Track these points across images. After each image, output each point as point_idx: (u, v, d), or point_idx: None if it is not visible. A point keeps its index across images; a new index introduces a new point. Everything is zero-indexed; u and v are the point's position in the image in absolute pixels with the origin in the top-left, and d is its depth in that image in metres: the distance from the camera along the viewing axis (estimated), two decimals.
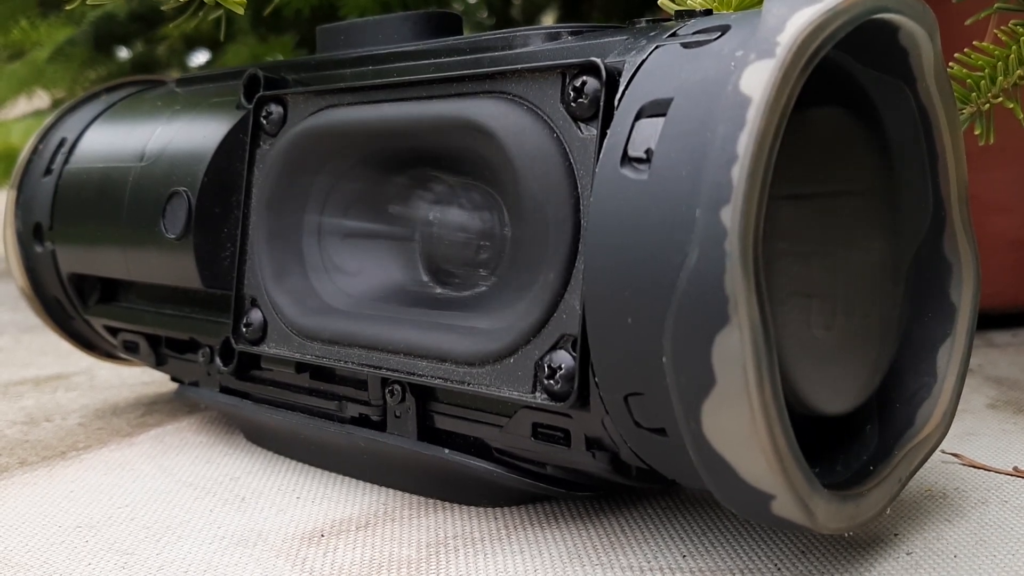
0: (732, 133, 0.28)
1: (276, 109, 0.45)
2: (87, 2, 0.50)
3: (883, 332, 0.37)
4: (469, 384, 0.37)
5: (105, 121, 0.58)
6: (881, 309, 0.37)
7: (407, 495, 0.44)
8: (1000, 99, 0.44)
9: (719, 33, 0.32)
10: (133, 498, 0.45)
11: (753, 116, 0.27)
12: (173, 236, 0.48)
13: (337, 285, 0.44)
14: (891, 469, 0.34)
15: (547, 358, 0.35)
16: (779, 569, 0.35)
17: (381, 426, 0.43)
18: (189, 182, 0.48)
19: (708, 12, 0.36)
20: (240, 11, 0.45)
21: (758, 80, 0.28)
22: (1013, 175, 0.70)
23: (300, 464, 0.49)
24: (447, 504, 0.43)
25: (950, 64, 0.43)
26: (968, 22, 0.49)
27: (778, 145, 0.28)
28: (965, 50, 0.45)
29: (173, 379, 0.56)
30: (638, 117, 0.32)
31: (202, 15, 0.59)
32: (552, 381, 0.35)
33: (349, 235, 0.44)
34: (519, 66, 0.37)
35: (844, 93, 0.36)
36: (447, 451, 0.40)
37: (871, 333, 0.37)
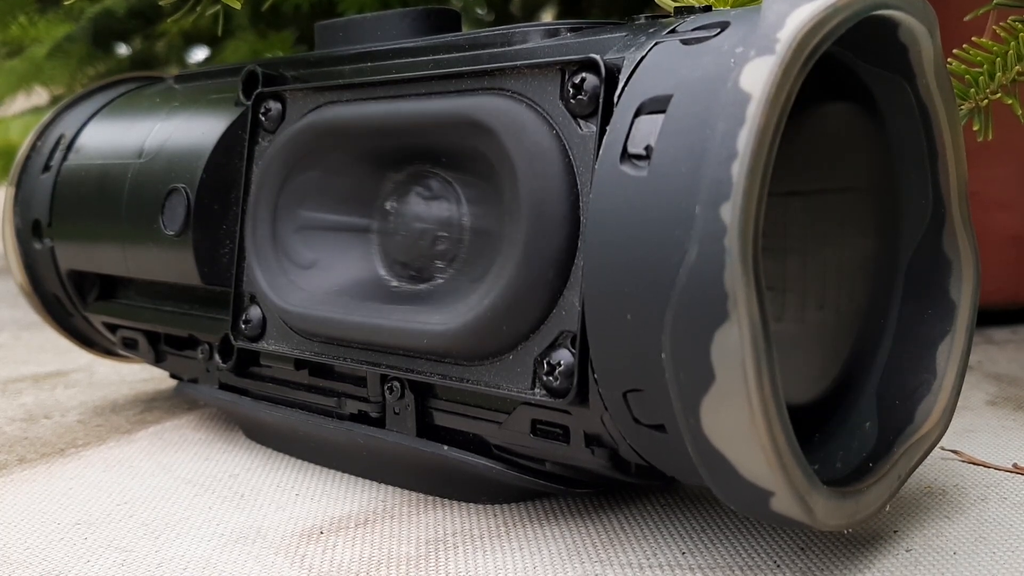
0: (732, 130, 0.27)
1: (275, 106, 0.45)
2: None
3: (854, 324, 0.37)
4: (468, 381, 0.37)
5: (103, 118, 0.58)
6: (858, 303, 0.37)
7: (406, 492, 0.44)
8: (999, 95, 0.44)
9: (718, 30, 0.32)
10: (132, 495, 0.45)
11: (753, 113, 0.27)
12: (172, 233, 0.48)
13: (336, 282, 0.44)
14: (890, 466, 0.34)
15: (546, 355, 0.35)
16: (778, 566, 0.35)
17: (380, 423, 0.43)
18: (188, 179, 0.48)
19: (707, 9, 0.36)
20: (237, 6, 0.45)
21: (758, 76, 0.28)
22: (1013, 171, 0.70)
23: (299, 461, 0.49)
24: (446, 501, 0.43)
25: (949, 60, 0.43)
26: (967, 18, 0.48)
27: (778, 141, 0.28)
28: (964, 46, 0.45)
29: (172, 376, 0.56)
30: (637, 114, 0.32)
31: (200, 10, 0.58)
32: (551, 378, 0.35)
33: (348, 231, 0.44)
34: (518, 63, 0.37)
35: (845, 89, 0.36)
36: (446, 448, 0.40)
37: (841, 326, 0.37)
